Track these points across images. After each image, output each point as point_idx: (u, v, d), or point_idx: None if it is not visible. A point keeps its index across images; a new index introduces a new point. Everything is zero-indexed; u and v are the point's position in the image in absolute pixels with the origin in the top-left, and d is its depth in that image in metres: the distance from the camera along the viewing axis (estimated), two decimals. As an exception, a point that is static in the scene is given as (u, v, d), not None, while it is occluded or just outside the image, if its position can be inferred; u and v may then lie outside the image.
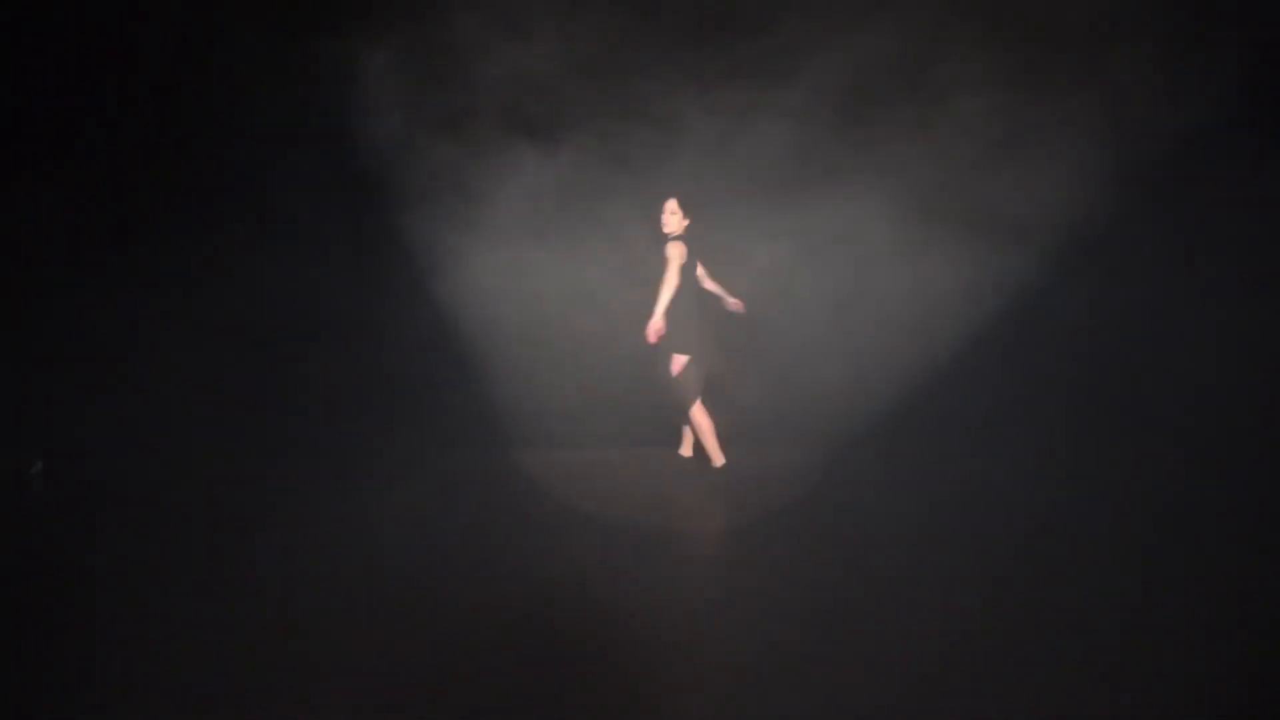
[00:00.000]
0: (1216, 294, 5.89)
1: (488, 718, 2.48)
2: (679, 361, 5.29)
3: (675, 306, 5.26)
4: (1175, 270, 5.94)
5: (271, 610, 3.28)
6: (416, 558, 3.97)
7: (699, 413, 5.39)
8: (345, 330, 6.24)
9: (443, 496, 5.23)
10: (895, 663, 2.76)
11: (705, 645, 2.95)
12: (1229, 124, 5.71)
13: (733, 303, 5.55)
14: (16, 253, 5.96)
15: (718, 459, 5.43)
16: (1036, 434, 6.01)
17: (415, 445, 6.23)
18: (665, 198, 5.44)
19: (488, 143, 6.26)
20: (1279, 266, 5.81)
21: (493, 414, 6.38)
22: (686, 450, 5.72)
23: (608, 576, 3.67)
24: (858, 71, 6.05)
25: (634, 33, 6.16)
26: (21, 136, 5.98)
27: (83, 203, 6.02)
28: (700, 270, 5.52)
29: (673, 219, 5.38)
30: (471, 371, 6.37)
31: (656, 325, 5.19)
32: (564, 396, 6.41)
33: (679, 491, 5.23)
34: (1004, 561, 3.82)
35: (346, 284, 6.28)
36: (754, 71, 6.14)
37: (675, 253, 5.26)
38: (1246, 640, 2.94)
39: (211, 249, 6.09)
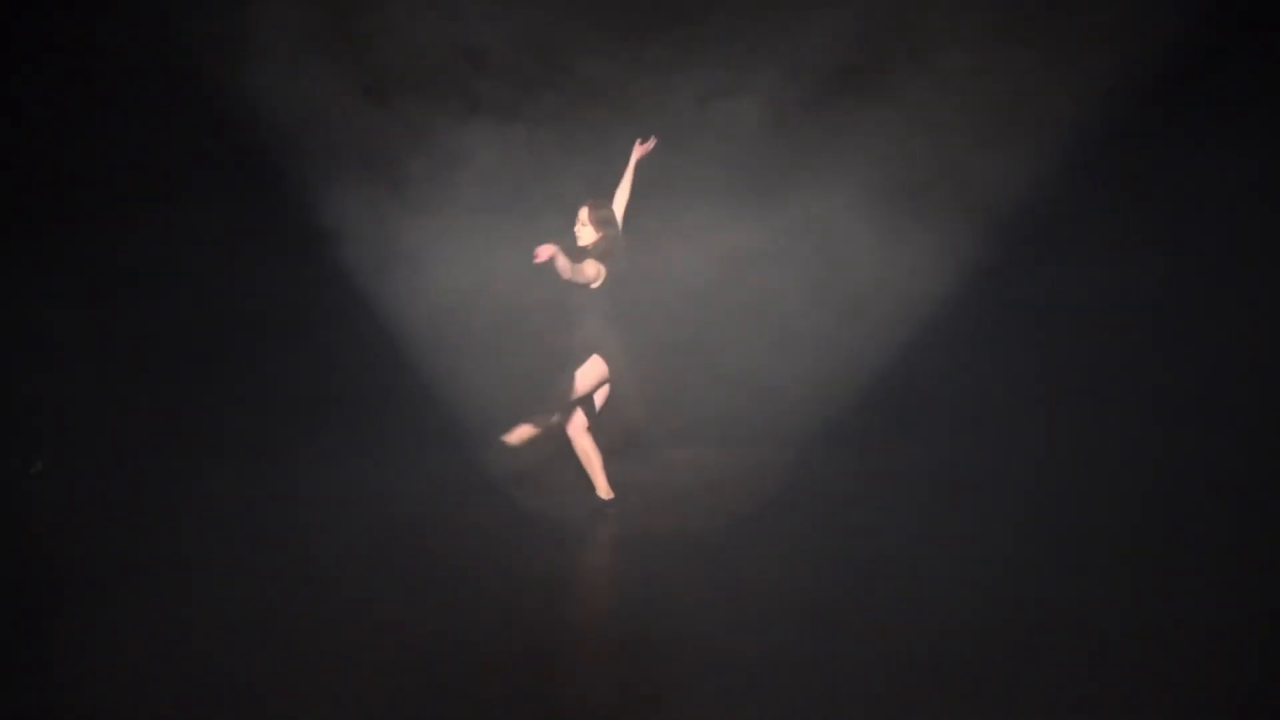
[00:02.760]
0: (1207, 278, 5.78)
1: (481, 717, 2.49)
2: (586, 377, 4.56)
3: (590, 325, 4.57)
4: (1159, 253, 5.78)
5: (255, 614, 3.22)
6: (403, 559, 3.93)
7: (589, 441, 4.66)
8: (279, 324, 5.86)
9: (417, 498, 5.12)
10: (891, 660, 2.77)
11: (696, 645, 2.93)
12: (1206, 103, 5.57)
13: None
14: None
15: (604, 491, 4.68)
16: (1020, 424, 5.88)
17: (374, 445, 5.95)
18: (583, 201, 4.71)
19: (432, 124, 5.90)
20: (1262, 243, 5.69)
21: (451, 413, 6.02)
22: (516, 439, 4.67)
23: (591, 579, 3.73)
24: (825, 49, 5.80)
25: (586, 4, 5.79)
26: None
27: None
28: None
29: (584, 231, 4.60)
30: (422, 368, 6.03)
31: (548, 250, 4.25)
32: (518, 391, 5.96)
33: (649, 492, 5.13)
34: (991, 556, 3.84)
35: (276, 274, 5.85)
36: (715, 49, 5.83)
37: (591, 272, 4.48)
38: (1241, 632, 2.94)
39: (129, 238, 5.68)
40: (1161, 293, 5.82)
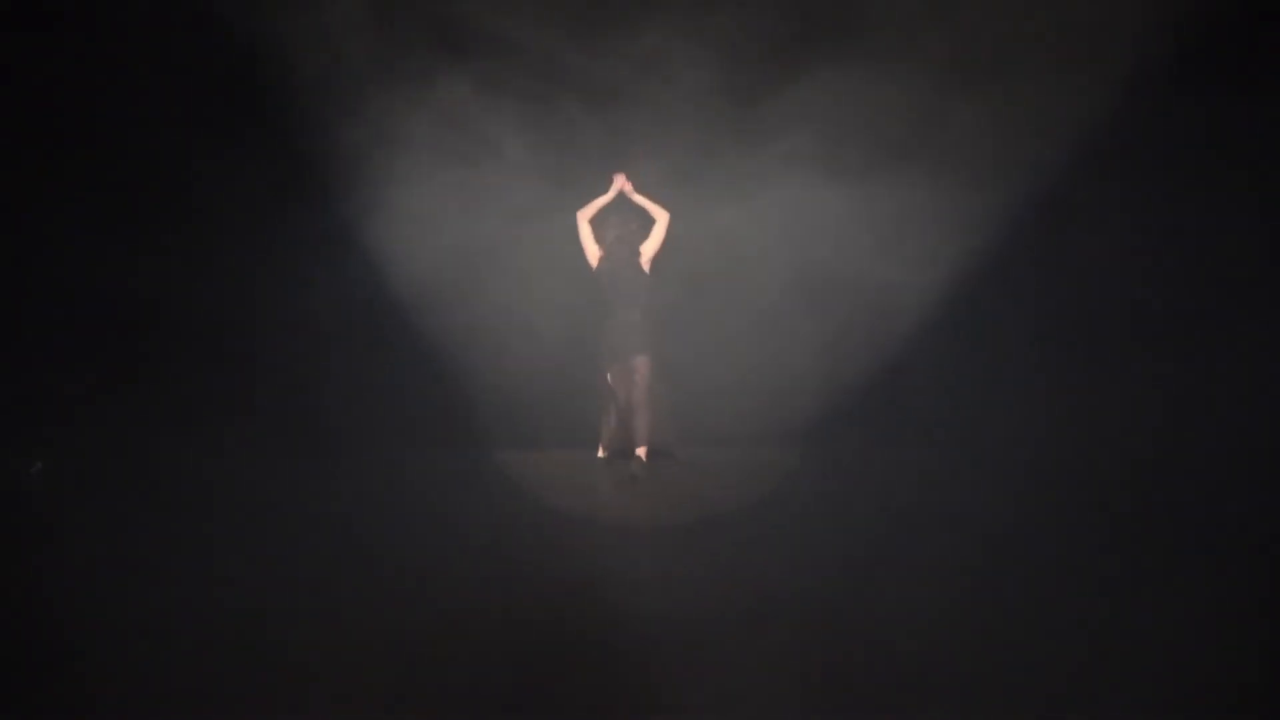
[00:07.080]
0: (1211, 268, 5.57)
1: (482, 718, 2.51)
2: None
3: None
4: (1158, 233, 5.56)
5: (254, 613, 3.26)
6: (401, 560, 3.93)
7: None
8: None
9: (417, 498, 5.15)
10: (887, 659, 2.79)
11: (687, 646, 2.95)
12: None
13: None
14: None
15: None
16: (1014, 417, 5.73)
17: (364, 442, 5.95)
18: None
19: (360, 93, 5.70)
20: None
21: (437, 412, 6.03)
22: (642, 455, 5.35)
23: (590, 579, 3.67)
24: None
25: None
26: None
27: None
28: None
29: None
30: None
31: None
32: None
33: (639, 491, 5.13)
34: (987, 553, 3.82)
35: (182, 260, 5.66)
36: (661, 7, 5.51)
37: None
38: (1225, 635, 2.93)
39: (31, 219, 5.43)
40: (1161, 277, 5.65)
